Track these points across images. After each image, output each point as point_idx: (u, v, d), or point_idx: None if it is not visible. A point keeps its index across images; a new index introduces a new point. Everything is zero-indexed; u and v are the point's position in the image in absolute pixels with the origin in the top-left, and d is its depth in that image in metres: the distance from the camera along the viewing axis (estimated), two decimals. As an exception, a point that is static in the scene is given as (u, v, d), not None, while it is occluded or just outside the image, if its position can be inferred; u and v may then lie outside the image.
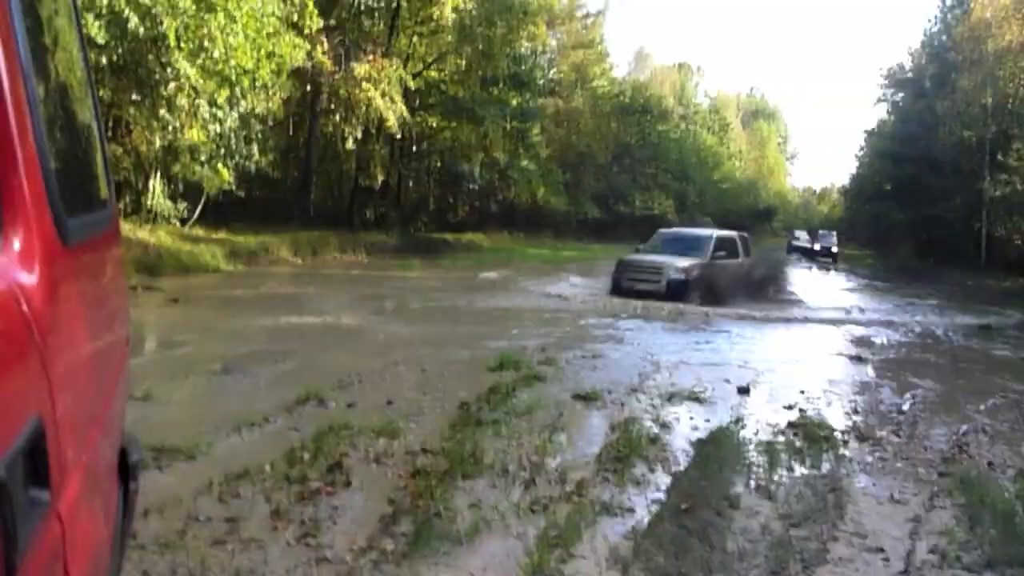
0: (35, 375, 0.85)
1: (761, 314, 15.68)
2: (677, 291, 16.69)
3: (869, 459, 5.81)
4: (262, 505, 4.19)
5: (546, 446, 5.61)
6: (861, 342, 12.74)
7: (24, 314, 0.86)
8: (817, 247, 49.01)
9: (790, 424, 6.66)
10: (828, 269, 39.39)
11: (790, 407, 7.40)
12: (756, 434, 6.33)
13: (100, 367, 1.29)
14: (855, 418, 7.20)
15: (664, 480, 5.08)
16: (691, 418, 6.82)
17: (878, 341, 13.10)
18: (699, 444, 5.96)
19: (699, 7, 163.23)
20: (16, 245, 0.90)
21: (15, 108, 0.92)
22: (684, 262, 17.44)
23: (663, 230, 22.59)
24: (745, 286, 18.05)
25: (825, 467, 5.53)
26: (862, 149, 64.08)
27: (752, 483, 5.09)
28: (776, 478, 5.21)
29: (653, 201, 53.00)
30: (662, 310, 15.45)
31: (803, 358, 10.79)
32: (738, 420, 6.78)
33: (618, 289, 17.76)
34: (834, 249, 47.66)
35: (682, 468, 5.36)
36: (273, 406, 6.40)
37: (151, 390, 6.61)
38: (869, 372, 9.94)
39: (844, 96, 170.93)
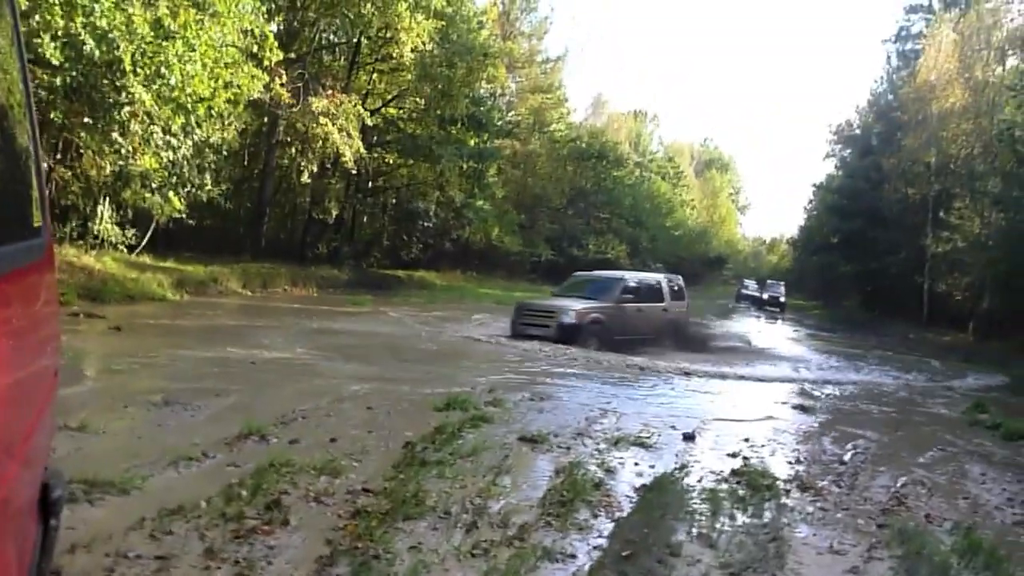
0: None
1: (710, 364, 15.80)
2: (569, 335, 16.32)
3: (810, 509, 5.84)
4: (196, 543, 4.08)
5: (490, 489, 5.56)
6: (805, 393, 12.90)
7: None
8: (765, 296, 49.87)
9: (733, 472, 6.69)
10: (776, 319, 40.01)
11: (734, 455, 7.45)
12: (700, 481, 6.35)
13: (21, 399, 1.24)
14: (798, 467, 7.27)
15: (607, 526, 5.06)
16: (636, 463, 6.81)
17: (822, 392, 13.28)
18: (643, 490, 5.96)
19: (657, 57, 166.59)
20: None
21: None
22: (582, 306, 17.06)
23: (577, 273, 22.25)
24: (659, 332, 17.78)
25: (767, 516, 5.55)
26: (811, 202, 65.69)
27: (694, 531, 5.09)
28: (718, 526, 5.22)
29: (606, 245, 53.47)
30: (605, 359, 15.49)
31: (749, 407, 10.86)
32: (682, 467, 6.80)
33: (515, 332, 17.31)
34: (782, 299, 48.53)
35: (625, 514, 5.34)
36: (213, 441, 6.26)
37: (87, 420, 6.44)
38: (813, 422, 10.05)
39: (794, 150, 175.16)
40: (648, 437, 7.89)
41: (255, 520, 4.48)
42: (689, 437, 8.16)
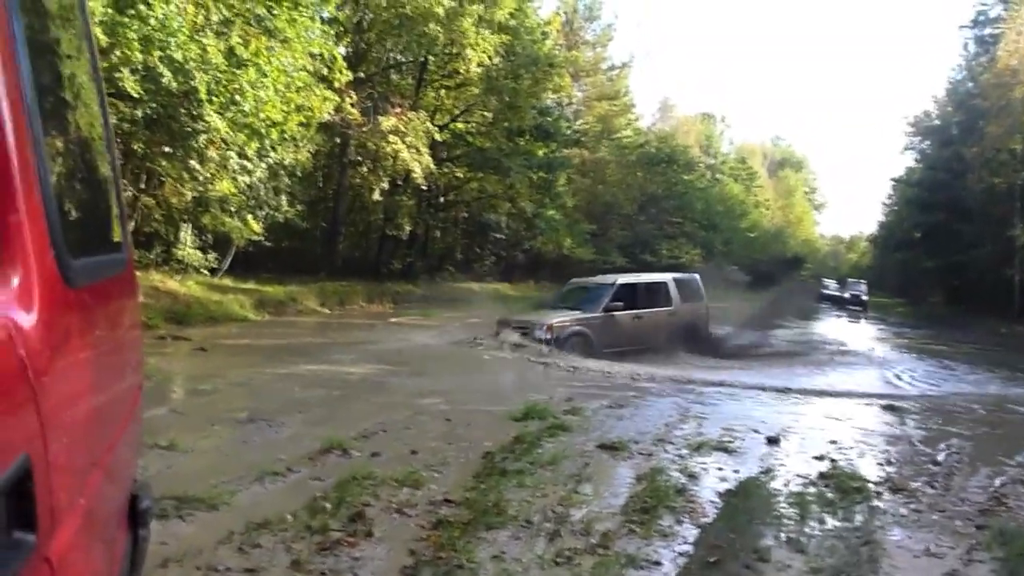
0: (25, 415, 0.83)
1: (796, 362, 15.43)
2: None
3: (903, 511, 5.64)
4: (283, 556, 4.14)
5: (571, 497, 5.52)
6: (893, 393, 12.50)
7: (18, 353, 0.84)
8: (847, 295, 48.60)
9: (821, 475, 6.50)
10: (859, 318, 38.93)
11: (821, 458, 7.24)
12: (786, 485, 6.19)
13: (104, 410, 1.27)
14: (888, 469, 7.03)
15: (692, 532, 4.97)
16: (719, 469, 6.68)
17: (911, 391, 12.85)
18: (727, 495, 5.84)
19: (723, 58, 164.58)
20: (14, 283, 0.89)
21: (18, 149, 0.92)
22: (559, 318, 16.03)
23: (573, 280, 21.16)
24: (665, 338, 16.63)
25: (858, 519, 5.38)
26: (890, 197, 63.91)
27: (782, 536, 4.96)
28: (807, 530, 5.07)
29: (680, 250, 52.86)
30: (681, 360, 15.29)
31: (835, 408, 10.55)
32: (767, 471, 6.65)
33: (497, 346, 16.20)
34: (864, 297, 47.21)
35: (710, 520, 5.24)
36: (296, 456, 6.38)
37: (176, 439, 6.63)
38: (902, 423, 9.71)
39: (870, 145, 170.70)
40: (730, 441, 7.74)
41: (339, 532, 4.53)
42: (773, 440, 7.98)
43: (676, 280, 18.12)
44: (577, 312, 16.26)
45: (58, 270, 1.03)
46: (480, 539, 4.57)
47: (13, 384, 0.82)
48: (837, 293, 50.93)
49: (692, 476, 6.32)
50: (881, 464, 7.25)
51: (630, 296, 16.82)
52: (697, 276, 19.32)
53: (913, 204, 49.19)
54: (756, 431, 8.43)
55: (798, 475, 6.50)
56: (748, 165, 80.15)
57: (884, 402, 11.37)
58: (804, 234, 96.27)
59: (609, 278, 18.72)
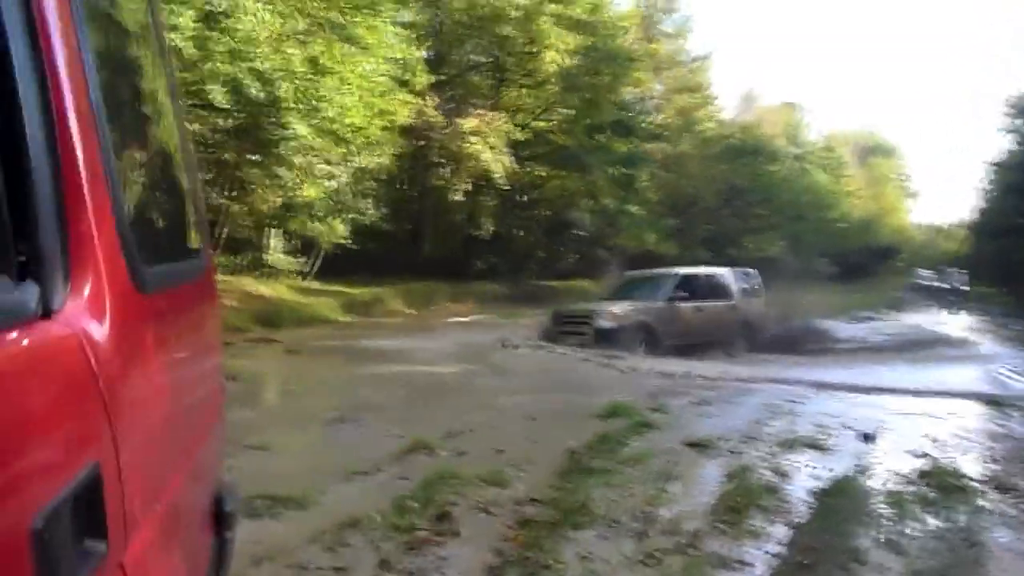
0: (95, 423, 0.84)
1: (889, 357, 14.90)
2: (607, 339, 14.93)
3: (1011, 512, 5.37)
4: (370, 555, 4.18)
5: (658, 496, 5.44)
6: (998, 385, 11.96)
7: (88, 361, 0.85)
8: (944, 285, 46.82)
9: (920, 473, 6.25)
10: (957, 309, 37.39)
11: (920, 455, 6.96)
12: (883, 484, 5.97)
13: (183, 416, 1.29)
14: (993, 466, 6.71)
15: (783, 532, 4.83)
16: (811, 467, 6.49)
17: (1018, 385, 12.27)
18: (821, 494, 5.66)
19: (808, 46, 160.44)
20: (85, 291, 0.90)
21: (86, 157, 0.93)
22: (622, 308, 15.66)
23: (629, 272, 20.97)
24: (726, 332, 16.35)
25: (961, 520, 5.15)
26: (988, 182, 61.22)
27: (880, 536, 4.78)
28: (907, 531, 4.88)
29: (765, 243, 51.71)
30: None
31: (935, 404, 10.11)
32: (863, 469, 6.43)
33: (551, 341, 15.89)
34: (963, 287, 45.40)
35: (803, 520, 5.09)
36: (383, 455, 6.45)
37: (267, 439, 6.79)
38: (1008, 417, 9.26)
39: (966, 129, 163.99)
40: (823, 439, 7.52)
41: (426, 531, 4.56)
42: (868, 437, 7.71)
43: (735, 273, 17.97)
44: (639, 302, 15.92)
45: (130, 277, 1.04)
46: (566, 539, 4.54)
47: (83, 393, 0.83)
48: (932, 283, 49.12)
49: (783, 474, 6.16)
50: (986, 462, 6.92)
51: (692, 288, 16.58)
52: (756, 272, 19.03)
53: (1013, 190, 46.99)
54: (850, 428, 8.17)
55: (895, 473, 6.26)
56: (836, 154, 77.86)
57: (988, 398, 10.87)
58: (896, 223, 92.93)
59: (670, 270, 18.68)
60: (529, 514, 4.99)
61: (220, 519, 1.73)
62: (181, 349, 1.36)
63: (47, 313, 0.84)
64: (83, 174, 0.92)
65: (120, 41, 1.31)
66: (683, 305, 16.04)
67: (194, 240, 1.64)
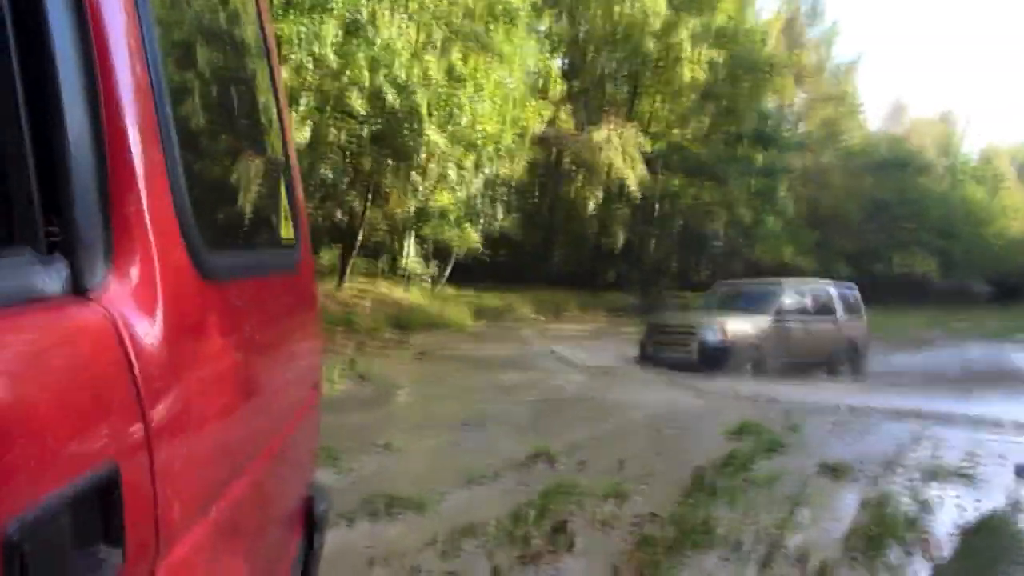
0: (121, 417, 0.78)
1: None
2: (714, 358, 13.24)
3: None
4: (483, 563, 4.13)
5: (786, 521, 5.16)
6: None
7: (123, 347, 0.80)
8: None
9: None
10: None
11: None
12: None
13: (253, 417, 1.24)
14: None
15: (923, 569, 4.48)
16: (957, 498, 6.01)
17: None
18: (967, 530, 5.24)
19: (963, 56, 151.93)
20: (131, 272, 0.85)
21: (139, 131, 0.89)
22: (730, 322, 13.85)
23: (721, 282, 18.64)
24: (832, 353, 14.81)
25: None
26: None
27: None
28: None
29: (913, 260, 49.20)
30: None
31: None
32: (1015, 504, 5.92)
33: (645, 357, 14.49)
34: None
35: (946, 556, 4.71)
36: (504, 462, 6.42)
37: (392, 440, 6.90)
38: None
39: None
40: (972, 468, 6.98)
41: (541, 543, 4.47)
42: (1023, 470, 7.11)
43: (839, 289, 16.44)
44: (747, 316, 14.21)
45: (191, 261, 0.99)
46: (685, 559, 4.35)
47: (110, 382, 0.77)
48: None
49: (925, 505, 5.73)
50: None
51: (797, 303, 15.11)
52: (855, 288, 17.28)
53: None
54: (1002, 457, 7.57)
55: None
56: (993, 167, 73.32)
57: None
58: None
59: (772, 281, 17.19)
60: (647, 531, 4.82)
61: (310, 522, 1.70)
62: (260, 342, 1.31)
63: (81, 292, 0.80)
64: (134, 149, 0.87)
65: (202, 15, 1.28)
66: (790, 321, 14.55)
67: (287, 231, 1.60)
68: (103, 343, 0.78)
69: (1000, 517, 5.59)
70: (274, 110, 1.58)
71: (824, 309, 15.45)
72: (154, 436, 0.81)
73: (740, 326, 13.75)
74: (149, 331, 0.84)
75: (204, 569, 0.98)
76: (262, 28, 1.54)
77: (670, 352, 13.86)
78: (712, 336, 13.49)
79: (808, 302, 15.29)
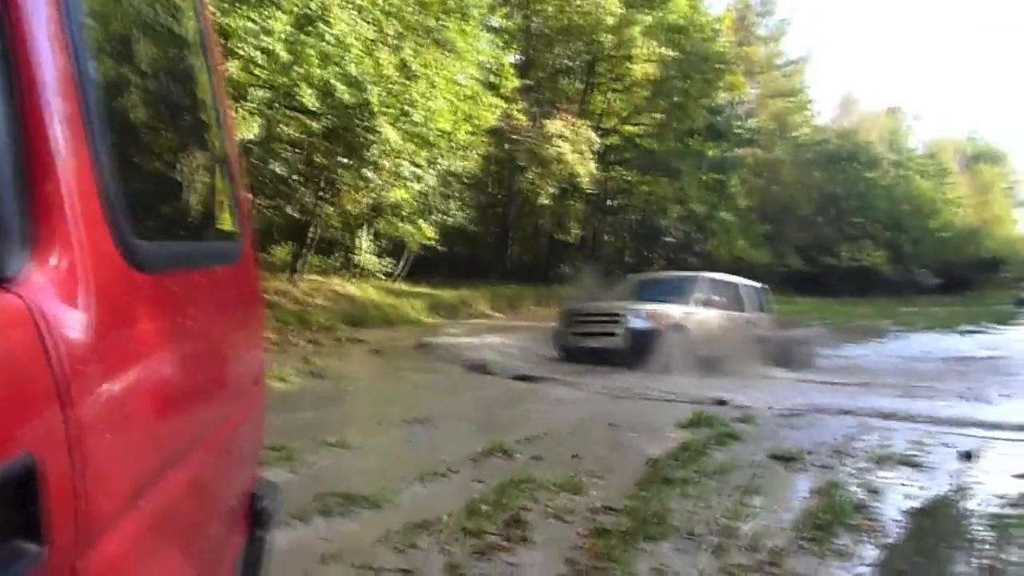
0: (36, 409, 0.76)
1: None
2: (641, 345, 12.28)
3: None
4: (437, 557, 4.11)
5: (739, 509, 5.22)
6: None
7: (39, 338, 0.78)
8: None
9: (1023, 495, 5.86)
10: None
11: (1023, 475, 6.54)
12: (981, 505, 5.61)
13: (190, 410, 1.22)
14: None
15: (871, 553, 4.56)
16: (904, 484, 6.14)
17: None
18: (913, 514, 5.35)
19: (911, 50, 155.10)
20: (51, 261, 0.83)
21: (62, 116, 0.86)
22: (655, 307, 13.02)
23: (635, 275, 17.92)
24: (746, 348, 13.83)
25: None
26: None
27: (976, 562, 4.47)
28: (1006, 557, 4.55)
29: (862, 252, 50.22)
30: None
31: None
32: (960, 489, 6.06)
33: (563, 349, 13.53)
34: (1072, 301, 43.17)
35: (893, 540, 4.80)
36: (460, 457, 6.40)
37: (345, 437, 6.83)
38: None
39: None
40: (918, 455, 7.13)
41: (496, 536, 4.47)
42: (966, 456, 7.28)
43: (745, 284, 16.04)
44: (667, 304, 13.37)
45: (121, 252, 0.97)
46: (640, 550, 4.38)
47: (22, 374, 0.75)
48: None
49: (874, 491, 5.84)
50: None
51: (714, 294, 14.41)
52: (764, 286, 16.68)
53: None
54: (947, 445, 7.75)
55: (996, 495, 5.88)
56: (938, 161, 74.99)
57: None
58: (1003, 234, 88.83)
59: (688, 274, 16.56)
60: (602, 522, 4.85)
61: (256, 519, 1.67)
62: (196, 335, 1.28)
63: None
64: (55, 138, 0.85)
65: (135, 7, 1.25)
66: (710, 313, 13.87)
67: (227, 222, 1.57)
68: (20, 333, 0.76)
69: (945, 500, 5.74)
70: (213, 103, 1.55)
71: (736, 304, 14.94)
72: (77, 428, 0.79)
73: (666, 312, 13.00)
74: (72, 321, 0.82)
75: (137, 562, 0.96)
76: (200, 21, 1.51)
77: (592, 341, 12.97)
78: (640, 322, 12.62)
79: (722, 295, 14.70)
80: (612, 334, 12.67)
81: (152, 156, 1.30)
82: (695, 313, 13.40)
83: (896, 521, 5.17)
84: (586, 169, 27.45)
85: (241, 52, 13.05)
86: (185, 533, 1.19)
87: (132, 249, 0.99)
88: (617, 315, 12.88)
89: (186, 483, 1.15)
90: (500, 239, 31.87)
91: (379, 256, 22.20)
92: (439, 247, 24.36)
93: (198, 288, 1.32)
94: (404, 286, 23.24)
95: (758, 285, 16.44)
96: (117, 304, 0.96)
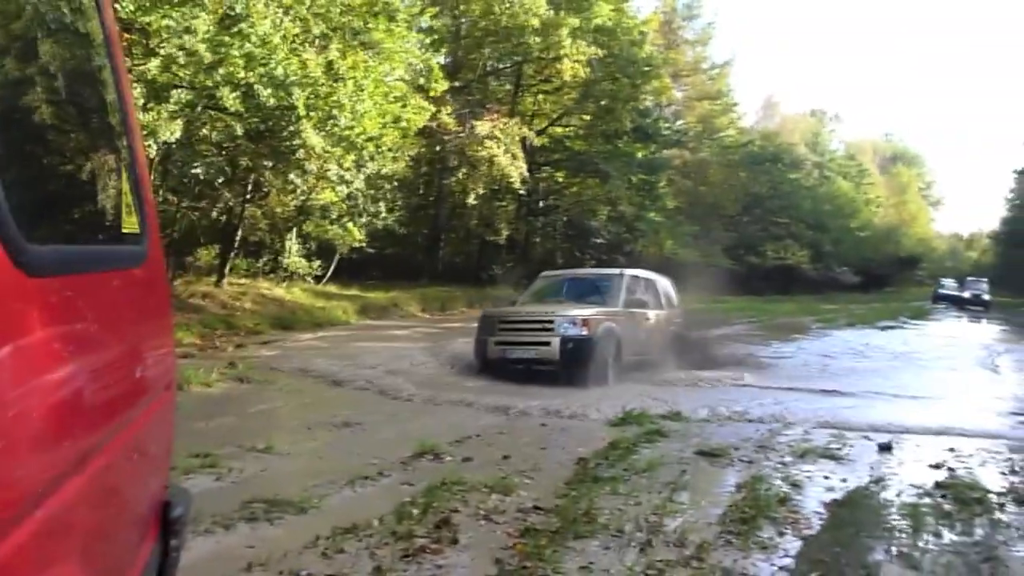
0: None
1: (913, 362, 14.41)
2: (577, 354, 11.20)
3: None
4: (366, 561, 4.09)
5: (666, 505, 5.31)
6: (1019, 397, 11.70)
7: None
8: (966, 295, 46.40)
9: (937, 484, 6.07)
10: (979, 318, 37.02)
11: (937, 466, 6.78)
12: (898, 495, 5.80)
13: (90, 417, 1.19)
14: (1013, 479, 6.50)
15: (794, 545, 4.68)
16: (825, 477, 6.32)
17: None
18: (834, 505, 5.50)
19: (830, 53, 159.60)
20: None
21: None
22: (585, 310, 11.78)
23: (547, 272, 16.01)
24: (665, 346, 13.31)
25: (978, 533, 4.98)
26: (1013, 191, 60.67)
27: (894, 550, 4.63)
28: (921, 544, 4.72)
29: (786, 251, 51.50)
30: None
31: (952, 413, 9.87)
32: (878, 480, 6.26)
33: (484, 361, 12.04)
34: (985, 297, 45.00)
35: (814, 532, 4.94)
36: (389, 460, 6.38)
37: (272, 442, 6.76)
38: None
39: (991, 137, 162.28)
40: (839, 448, 7.35)
41: (425, 539, 4.46)
42: (885, 448, 7.53)
43: (660, 280, 14.83)
44: (595, 306, 12.19)
45: (8, 255, 0.94)
46: (568, 548, 4.42)
47: None
48: (955, 292, 48.71)
49: (796, 485, 6.00)
50: (1004, 473, 6.72)
51: (638, 293, 13.25)
52: (670, 281, 15.52)
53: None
54: (867, 438, 8.00)
55: (912, 485, 6.09)
56: (858, 162, 77.33)
57: (1011, 406, 10.64)
58: (919, 232, 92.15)
59: (609, 271, 15.24)
60: (531, 522, 4.88)
61: (166, 527, 1.64)
62: (95, 340, 1.25)
63: None
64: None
65: (31, 6, 1.21)
66: (638, 311, 12.80)
67: (131, 225, 1.54)
68: None
69: (864, 491, 5.92)
70: (118, 104, 1.51)
71: (655, 301, 13.85)
72: None
73: (598, 317, 11.73)
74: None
75: (34, 572, 0.93)
76: (103, 20, 1.47)
77: (521, 352, 11.61)
78: (573, 329, 11.35)
79: (644, 294, 13.54)
80: (547, 343, 11.40)
81: (50, 158, 1.26)
82: (624, 315, 12.36)
83: (817, 513, 5.32)
84: (517, 170, 27.54)
85: (161, 51, 12.74)
86: (88, 542, 1.16)
87: (23, 252, 0.96)
88: (551, 323, 11.55)
89: (88, 491, 1.13)
90: (431, 241, 31.77)
91: (308, 259, 21.89)
92: (369, 249, 24.17)
93: (98, 292, 1.29)
94: (334, 288, 22.99)
95: (668, 280, 15.45)
96: (6, 309, 0.93)
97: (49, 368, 1.03)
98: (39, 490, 0.96)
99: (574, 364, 11.16)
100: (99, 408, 1.22)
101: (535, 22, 27.71)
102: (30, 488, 0.94)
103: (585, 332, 11.30)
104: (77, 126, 1.40)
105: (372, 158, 18.29)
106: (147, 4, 12.27)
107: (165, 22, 12.43)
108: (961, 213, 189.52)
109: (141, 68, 12.94)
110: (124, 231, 1.49)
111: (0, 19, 1.07)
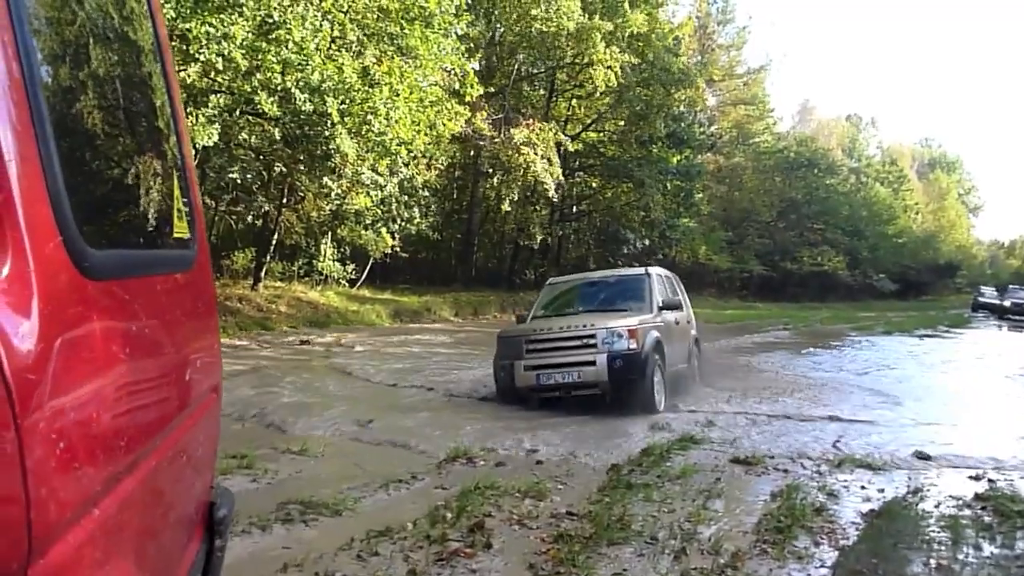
0: None
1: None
2: (627, 372, 9.21)
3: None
4: (400, 565, 4.10)
5: (700, 513, 5.26)
6: None
7: None
8: (1007, 303, 45.48)
9: (977, 496, 5.95)
10: (1021, 329, 36.25)
11: (977, 477, 6.65)
12: (937, 507, 5.69)
13: (144, 418, 1.21)
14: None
15: (830, 555, 4.62)
16: (862, 487, 6.23)
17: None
18: (871, 516, 5.42)
19: (868, 57, 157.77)
20: (2, 270, 0.82)
21: (14, 121, 0.86)
22: (626, 319, 9.79)
23: (553, 279, 12.99)
24: (689, 355, 11.77)
25: (1020, 546, 4.89)
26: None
27: (932, 562, 4.55)
28: (961, 557, 4.63)
29: (822, 257, 50.97)
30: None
31: (997, 424, 9.66)
32: (916, 491, 6.15)
33: (510, 390, 9.65)
34: (1025, 305, 44.06)
35: (850, 542, 4.87)
36: (423, 463, 6.42)
37: (307, 444, 6.82)
38: None
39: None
40: (876, 457, 7.24)
41: (458, 543, 4.47)
42: (923, 457, 7.39)
43: (677, 279, 13.01)
44: (631, 315, 10.09)
45: (71, 259, 0.96)
46: (601, 555, 4.40)
47: None
48: (995, 301, 47.77)
49: (832, 494, 5.91)
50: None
51: (668, 293, 11.48)
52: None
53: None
54: (905, 447, 7.87)
55: (951, 496, 5.98)
56: (897, 167, 76.39)
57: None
58: (958, 239, 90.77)
59: (627, 270, 13.30)
60: (564, 528, 4.87)
61: (211, 527, 1.67)
62: (149, 342, 1.28)
63: None
64: (5, 141, 0.84)
65: (87, 13, 1.24)
66: (669, 318, 10.79)
67: (181, 229, 1.57)
68: None
69: (902, 502, 5.82)
70: (168, 109, 1.55)
71: (677, 303, 11.39)
72: (26, 436, 0.79)
73: (644, 326, 9.81)
74: (20, 328, 0.82)
75: (88, 571, 0.95)
76: (155, 27, 1.50)
77: (560, 375, 9.38)
78: (620, 343, 9.34)
79: (673, 294, 11.73)
80: (589, 362, 9.33)
81: (106, 163, 1.29)
82: (662, 323, 10.40)
83: (854, 523, 5.25)
84: (551, 175, 27.53)
85: (201, 57, 12.91)
86: (139, 541, 1.19)
87: (83, 257, 0.98)
88: (591, 337, 9.46)
89: (140, 492, 1.15)
90: (464, 245, 31.89)
91: (342, 263, 22.09)
92: (403, 253, 24.34)
93: (152, 295, 1.31)
94: (367, 292, 23.17)
95: (676, 276, 13.31)
96: (67, 311, 0.96)
97: (108, 371, 1.06)
98: (97, 489, 0.98)
99: (623, 385, 9.27)
100: (153, 410, 1.24)
101: (571, 26, 27.69)
102: (88, 488, 0.96)
103: (634, 345, 9.35)
104: (131, 132, 1.43)
105: (406, 164, 18.39)
106: (187, 11, 12.44)
107: (204, 28, 12.58)
108: (1002, 219, 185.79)
109: (181, 74, 13.13)
110: (175, 235, 1.52)
111: (56, 27, 1.11)
